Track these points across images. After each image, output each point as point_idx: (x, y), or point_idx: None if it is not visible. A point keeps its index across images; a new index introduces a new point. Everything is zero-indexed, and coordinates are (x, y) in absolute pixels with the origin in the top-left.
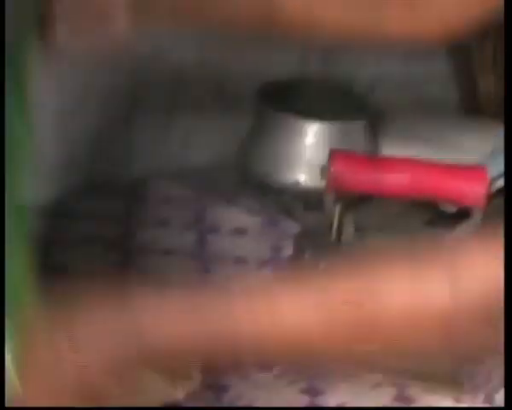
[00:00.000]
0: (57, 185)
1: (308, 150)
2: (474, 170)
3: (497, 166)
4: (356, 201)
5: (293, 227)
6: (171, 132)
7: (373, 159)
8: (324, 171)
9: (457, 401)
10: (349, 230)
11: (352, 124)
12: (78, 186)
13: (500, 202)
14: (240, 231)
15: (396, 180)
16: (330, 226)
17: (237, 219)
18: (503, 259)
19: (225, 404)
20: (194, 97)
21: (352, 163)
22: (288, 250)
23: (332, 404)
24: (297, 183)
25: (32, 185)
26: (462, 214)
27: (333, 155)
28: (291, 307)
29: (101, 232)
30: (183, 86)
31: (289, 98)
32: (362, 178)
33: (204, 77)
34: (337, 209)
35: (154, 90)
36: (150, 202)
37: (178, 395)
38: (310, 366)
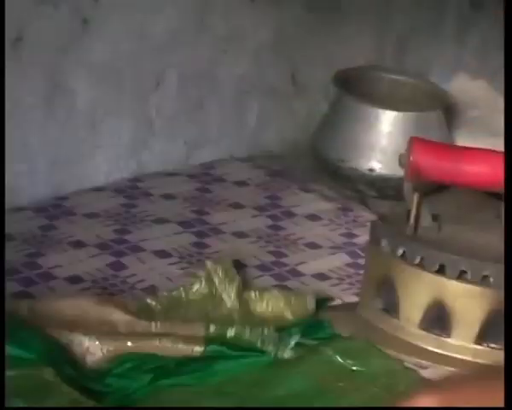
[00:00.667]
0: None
1: (383, 138)
2: None
3: None
4: (433, 189)
5: (367, 214)
6: (244, 117)
7: (453, 148)
8: (403, 158)
9: None
10: (426, 218)
11: (427, 113)
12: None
13: None
14: (313, 217)
15: (476, 171)
16: (407, 214)
17: (311, 204)
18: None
19: None
20: (267, 82)
21: (432, 152)
22: (362, 237)
23: None
24: (371, 170)
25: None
26: None
27: (413, 142)
28: None
29: (174, 213)
30: (257, 71)
31: (364, 86)
32: (442, 167)
33: (278, 62)
34: (415, 197)
35: (227, 74)
36: (223, 184)
37: None
38: None
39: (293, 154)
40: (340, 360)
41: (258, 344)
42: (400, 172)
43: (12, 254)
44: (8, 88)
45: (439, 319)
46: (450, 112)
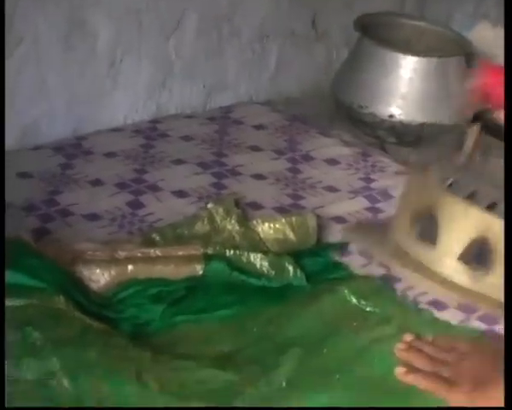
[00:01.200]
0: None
1: (403, 84)
2: None
3: None
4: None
5: (386, 160)
6: (264, 61)
7: None
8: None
9: None
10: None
11: (448, 59)
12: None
13: None
14: (332, 162)
15: None
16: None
17: (330, 149)
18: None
19: None
20: (287, 26)
21: (501, 74)
22: (380, 182)
23: None
24: (391, 116)
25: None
26: None
27: (482, 65)
28: None
29: (193, 154)
30: (277, 14)
31: (386, 32)
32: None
33: (299, 6)
34: (475, 128)
35: (247, 17)
36: (242, 127)
37: None
38: None
39: (313, 99)
40: (354, 300)
41: (260, 269)
42: (420, 119)
43: (31, 192)
44: (27, 24)
45: (478, 255)
46: (470, 59)
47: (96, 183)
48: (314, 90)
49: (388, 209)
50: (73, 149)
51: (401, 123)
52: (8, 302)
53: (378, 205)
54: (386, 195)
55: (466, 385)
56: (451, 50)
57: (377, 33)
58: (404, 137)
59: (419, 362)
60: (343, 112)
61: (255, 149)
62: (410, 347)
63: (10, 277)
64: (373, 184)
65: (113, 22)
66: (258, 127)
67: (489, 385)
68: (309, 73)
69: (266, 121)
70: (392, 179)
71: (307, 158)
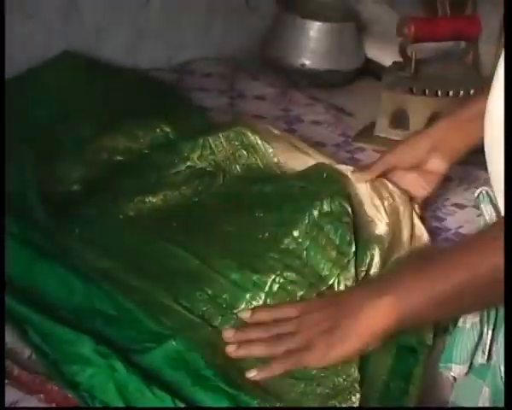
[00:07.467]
0: None
1: (311, 42)
2: None
3: None
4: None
5: (299, 97)
6: (211, 29)
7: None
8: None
9: None
10: None
11: (343, 24)
12: None
13: None
14: (260, 98)
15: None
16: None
17: (258, 89)
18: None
19: None
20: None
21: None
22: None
23: None
24: (303, 65)
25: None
26: None
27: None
28: None
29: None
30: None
31: (299, 4)
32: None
33: None
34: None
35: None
36: (195, 75)
37: None
38: None
39: (248, 55)
40: None
41: None
42: (325, 67)
43: None
44: None
45: None
46: (360, 25)
47: None
48: (248, 49)
49: (301, 130)
50: None
51: (310, 70)
52: None
53: (293, 127)
54: (299, 120)
55: (318, 345)
56: (346, 18)
57: (293, 5)
58: (313, 79)
59: (258, 350)
60: (269, 63)
61: (203, 89)
62: (240, 343)
63: None
64: (291, 113)
65: None
66: (207, 75)
67: (346, 338)
68: (244, 37)
69: (213, 70)
70: (304, 109)
71: (242, 95)
